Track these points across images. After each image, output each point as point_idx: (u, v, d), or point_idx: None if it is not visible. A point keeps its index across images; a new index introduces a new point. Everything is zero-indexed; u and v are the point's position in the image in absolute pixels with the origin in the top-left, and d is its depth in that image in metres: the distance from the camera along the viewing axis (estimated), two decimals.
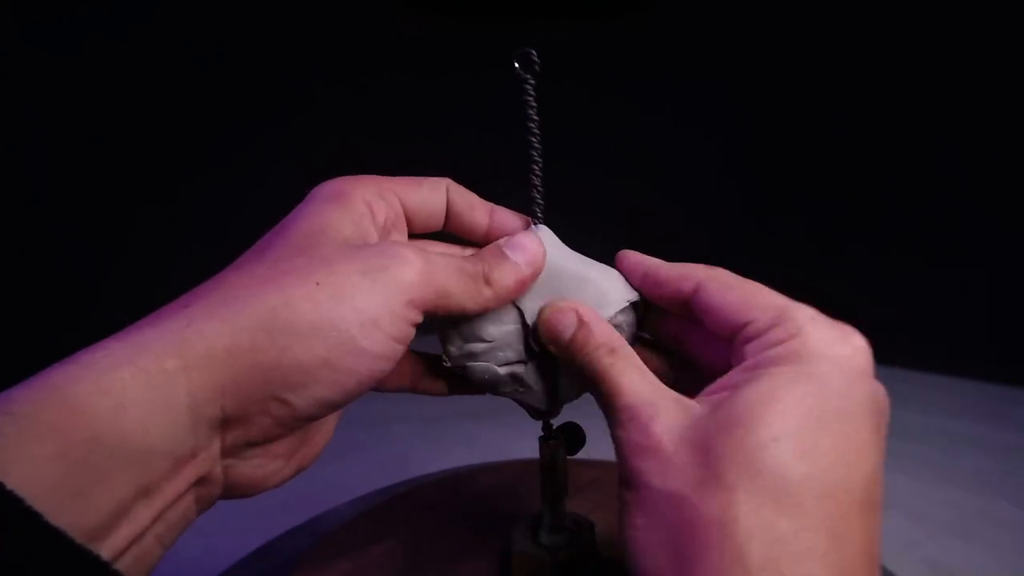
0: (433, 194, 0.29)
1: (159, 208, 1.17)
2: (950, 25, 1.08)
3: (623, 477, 0.22)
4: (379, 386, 0.27)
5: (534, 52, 0.29)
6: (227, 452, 0.22)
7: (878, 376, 0.24)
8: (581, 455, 0.33)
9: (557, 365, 0.29)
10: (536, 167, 0.29)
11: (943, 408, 0.98)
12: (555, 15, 1.30)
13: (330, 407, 0.23)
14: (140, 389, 0.19)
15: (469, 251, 0.29)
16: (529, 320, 0.28)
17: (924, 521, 0.69)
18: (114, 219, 1.16)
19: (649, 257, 0.28)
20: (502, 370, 0.29)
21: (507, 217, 0.30)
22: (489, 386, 0.30)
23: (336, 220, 0.25)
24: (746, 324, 0.24)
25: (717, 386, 0.23)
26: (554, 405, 0.30)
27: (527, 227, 0.30)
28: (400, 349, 0.23)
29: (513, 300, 0.28)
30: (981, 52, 1.07)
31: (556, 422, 0.33)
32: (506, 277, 0.27)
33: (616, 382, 0.24)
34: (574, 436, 0.33)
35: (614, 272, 0.29)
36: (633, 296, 0.28)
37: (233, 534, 0.58)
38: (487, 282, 0.26)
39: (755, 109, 1.32)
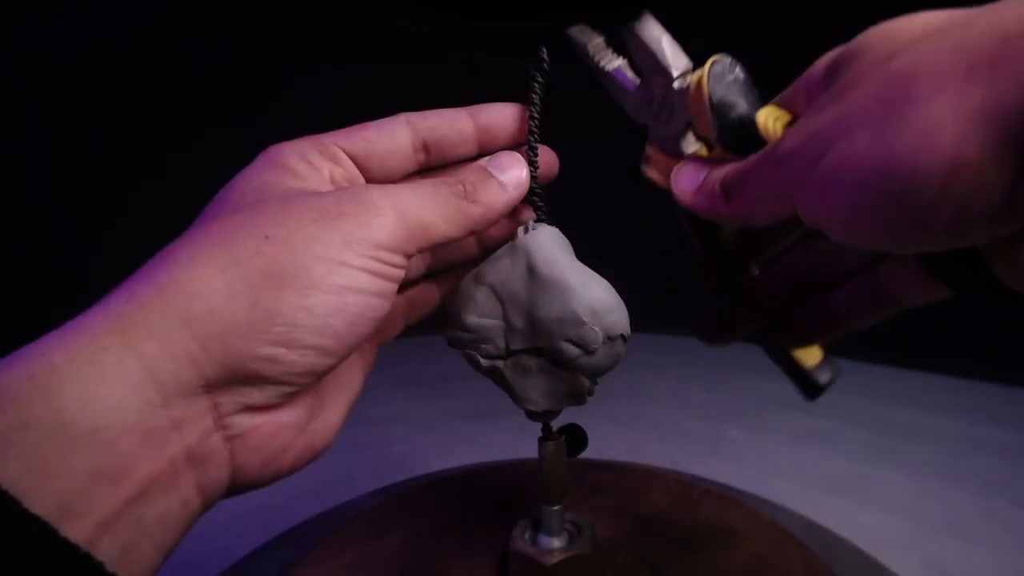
0: (383, 131, 0.27)
1: (159, 208, 1.17)
2: None
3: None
4: (381, 339, 0.27)
5: (545, 50, 0.29)
6: (224, 423, 0.20)
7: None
8: (587, 455, 0.33)
9: (532, 369, 0.29)
10: (535, 167, 0.29)
11: (943, 408, 0.98)
12: (555, 15, 1.30)
13: (330, 354, 0.21)
14: (75, 368, 0.18)
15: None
16: (512, 322, 0.28)
17: (924, 521, 0.69)
18: (114, 219, 1.16)
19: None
20: (484, 363, 0.29)
21: (496, 113, 0.28)
22: (483, 374, 0.30)
23: (273, 177, 0.23)
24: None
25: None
26: (532, 408, 0.30)
27: (520, 118, 0.29)
28: (390, 286, 0.22)
29: (496, 292, 0.28)
30: None
31: (558, 423, 0.33)
32: (493, 196, 0.25)
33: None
34: (575, 438, 0.33)
35: (599, 289, 0.28)
36: (622, 328, 0.28)
37: (233, 534, 0.58)
38: (471, 200, 0.24)
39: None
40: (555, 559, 0.32)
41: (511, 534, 0.34)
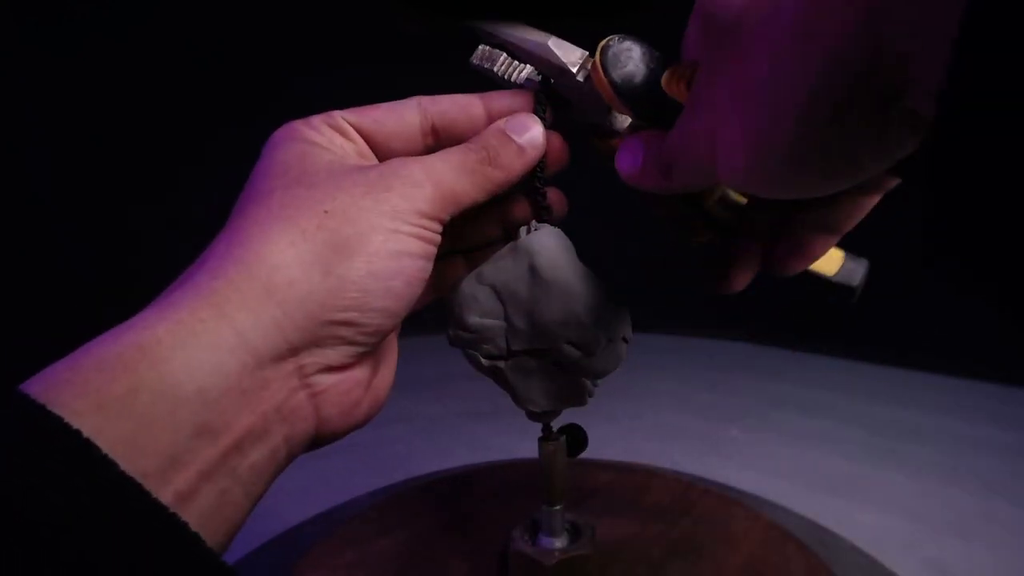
0: (395, 113, 0.28)
1: (160, 208, 1.17)
2: None
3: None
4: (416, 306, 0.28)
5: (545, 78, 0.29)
6: (308, 381, 0.22)
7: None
8: (587, 455, 0.33)
9: (534, 370, 0.29)
10: (539, 168, 0.29)
11: (943, 408, 0.98)
12: (553, 15, 1.30)
13: (394, 315, 0.23)
14: (178, 339, 0.20)
15: None
16: (514, 322, 0.28)
17: (924, 521, 0.69)
18: (114, 219, 1.16)
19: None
20: (485, 362, 0.29)
21: (504, 101, 0.29)
22: (488, 376, 0.30)
23: (307, 151, 0.25)
24: None
25: None
26: (533, 408, 0.30)
27: (529, 104, 0.29)
28: (432, 250, 0.24)
29: (498, 292, 0.28)
30: None
31: (559, 423, 0.33)
32: (513, 159, 0.27)
33: None
34: (576, 438, 0.33)
35: (600, 292, 0.28)
36: (623, 331, 0.28)
37: None
38: (494, 165, 0.26)
39: None
40: (555, 559, 0.32)
41: (511, 534, 0.34)
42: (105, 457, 0.17)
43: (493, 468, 0.48)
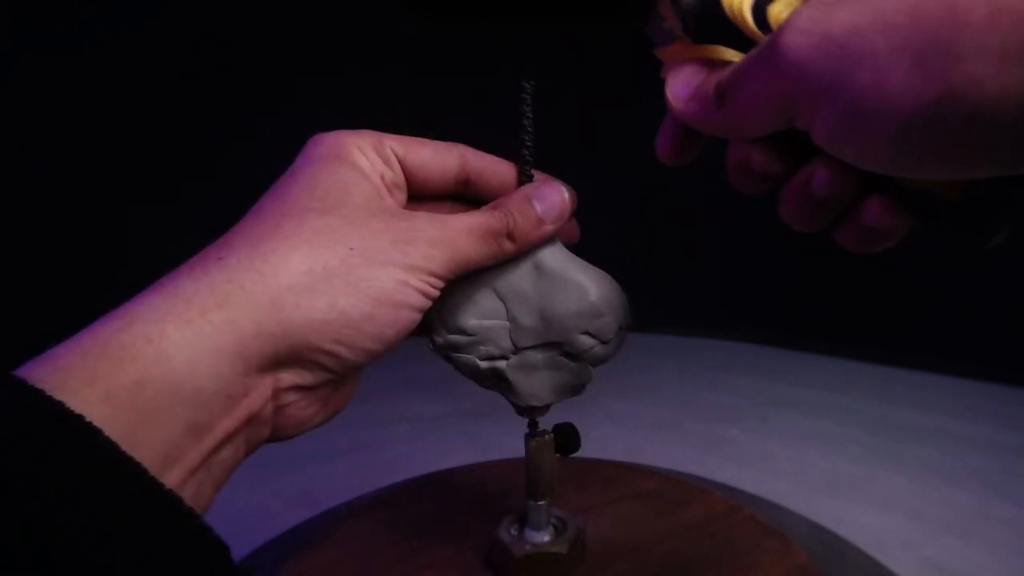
0: (439, 156, 0.29)
1: (159, 208, 1.17)
2: None
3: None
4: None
5: (530, 86, 0.29)
6: (277, 394, 0.23)
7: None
8: (588, 456, 0.33)
9: (539, 364, 0.29)
10: (529, 167, 0.29)
11: (943, 408, 0.98)
12: (552, 16, 1.30)
13: (373, 356, 0.25)
14: (185, 337, 0.20)
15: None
16: (520, 320, 0.28)
17: (924, 521, 0.69)
18: (114, 219, 1.16)
19: None
20: (483, 364, 0.29)
21: (537, 176, 0.30)
22: (474, 380, 0.30)
23: (349, 177, 0.26)
24: None
25: None
26: (535, 403, 0.30)
27: (556, 186, 0.29)
28: (427, 303, 0.25)
29: (498, 292, 0.28)
30: None
31: (552, 422, 0.33)
32: (530, 232, 0.28)
33: None
34: (569, 437, 0.33)
35: (607, 281, 0.29)
36: (629, 318, 0.28)
37: (233, 533, 0.58)
38: (510, 238, 0.27)
39: None
40: (524, 551, 0.33)
41: (498, 529, 0.35)
42: (113, 444, 0.18)
43: (490, 466, 0.48)
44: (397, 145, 0.29)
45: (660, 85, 0.26)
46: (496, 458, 0.50)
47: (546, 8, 1.30)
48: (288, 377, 0.23)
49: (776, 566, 0.35)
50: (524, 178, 0.29)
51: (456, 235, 0.26)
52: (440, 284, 0.26)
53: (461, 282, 0.29)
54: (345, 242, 0.24)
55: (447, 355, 0.29)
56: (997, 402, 1.01)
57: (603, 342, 0.28)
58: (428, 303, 0.25)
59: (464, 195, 0.31)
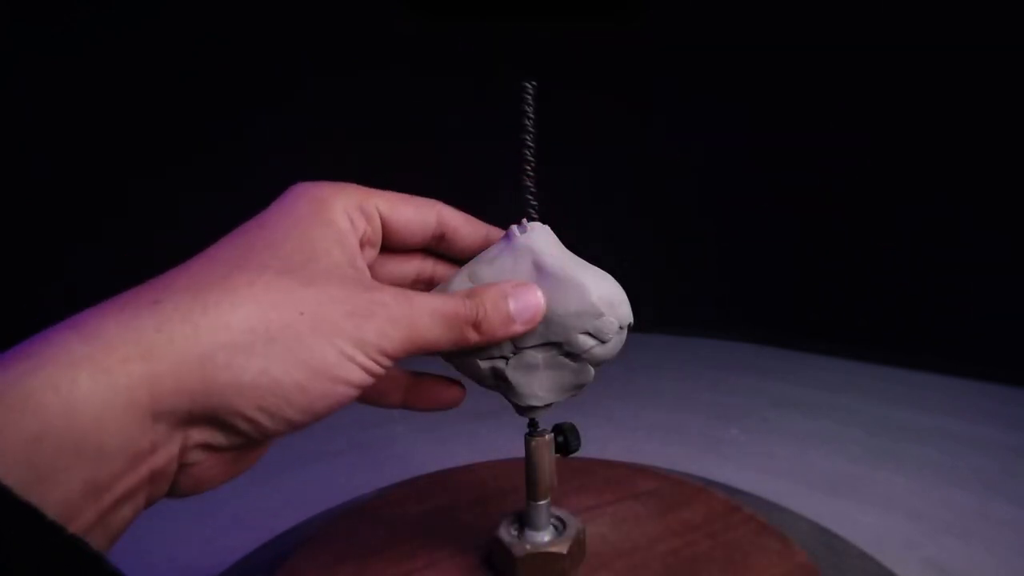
0: (420, 214, 0.29)
1: (159, 207, 1.17)
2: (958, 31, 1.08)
3: None
4: (375, 402, 0.28)
5: (531, 86, 0.29)
6: (185, 452, 0.22)
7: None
8: (588, 455, 0.33)
9: (539, 364, 0.29)
10: (529, 167, 0.29)
11: (943, 408, 0.98)
12: (552, 16, 1.30)
13: (295, 428, 0.23)
14: (98, 388, 0.19)
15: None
16: None
17: (924, 521, 0.69)
18: (113, 218, 1.16)
19: None
20: (483, 364, 0.29)
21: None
22: (473, 379, 0.30)
23: (322, 238, 0.25)
24: None
25: None
26: (535, 403, 0.30)
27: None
28: (370, 381, 0.23)
29: None
30: (985, 62, 1.07)
31: (552, 422, 0.33)
32: (497, 328, 0.27)
33: None
34: (569, 437, 0.33)
35: (607, 281, 0.29)
36: (630, 318, 0.28)
37: (233, 533, 0.58)
38: (476, 328, 0.26)
39: (753, 111, 1.32)
40: (524, 551, 0.33)
41: (498, 527, 0.35)
42: (6, 489, 0.17)
43: (490, 465, 0.48)
44: (383, 203, 0.27)
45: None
46: (496, 458, 0.50)
47: (546, 8, 1.30)
48: (199, 435, 0.22)
49: (776, 566, 0.35)
50: (526, 176, 0.29)
51: (420, 315, 0.24)
52: (390, 364, 0.24)
53: (461, 282, 0.29)
54: (297, 306, 0.22)
55: (447, 355, 0.29)
56: (997, 402, 1.01)
57: (603, 342, 0.28)
58: (370, 381, 0.23)
59: (435, 249, 0.30)
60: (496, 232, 0.31)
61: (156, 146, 1.18)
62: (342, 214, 0.26)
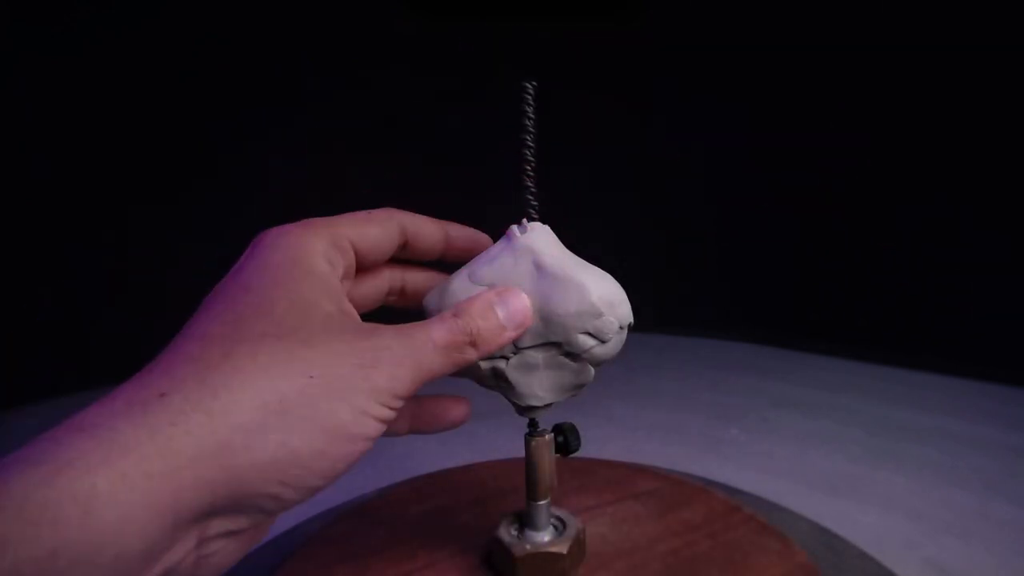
0: (384, 230, 0.29)
1: (159, 207, 1.17)
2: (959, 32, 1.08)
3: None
4: (384, 435, 0.28)
5: (532, 86, 0.29)
6: (202, 544, 0.21)
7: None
8: (587, 455, 0.33)
9: (539, 364, 0.29)
10: (529, 167, 0.29)
11: (943, 408, 0.98)
12: (550, 16, 1.30)
13: (315, 492, 0.22)
14: (117, 494, 0.18)
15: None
16: None
17: (924, 521, 0.69)
18: (113, 219, 1.16)
19: None
20: (484, 365, 0.29)
21: (463, 231, 0.31)
22: (473, 380, 0.30)
23: (309, 290, 0.24)
24: None
25: None
26: (535, 403, 0.30)
27: (480, 239, 0.30)
28: (383, 429, 0.24)
29: None
30: (987, 63, 1.07)
31: (552, 422, 0.33)
32: (491, 340, 0.27)
33: None
34: (569, 437, 0.33)
35: (607, 281, 0.29)
36: (630, 317, 0.28)
37: None
38: (473, 345, 0.26)
39: (753, 111, 1.32)
40: (524, 552, 0.33)
41: (499, 522, 0.35)
42: None
43: (490, 465, 0.48)
44: (351, 232, 0.27)
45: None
46: (496, 458, 0.50)
47: (546, 8, 1.30)
48: (219, 525, 0.21)
49: (776, 566, 0.35)
50: (526, 175, 0.29)
51: (422, 350, 0.24)
52: (401, 404, 0.24)
53: (461, 283, 0.29)
54: (306, 370, 0.21)
55: None
56: (997, 402, 1.01)
57: (603, 342, 0.28)
58: (383, 427, 0.23)
59: (399, 257, 0.31)
60: (455, 227, 0.31)
61: (156, 146, 1.18)
62: (320, 259, 0.25)
